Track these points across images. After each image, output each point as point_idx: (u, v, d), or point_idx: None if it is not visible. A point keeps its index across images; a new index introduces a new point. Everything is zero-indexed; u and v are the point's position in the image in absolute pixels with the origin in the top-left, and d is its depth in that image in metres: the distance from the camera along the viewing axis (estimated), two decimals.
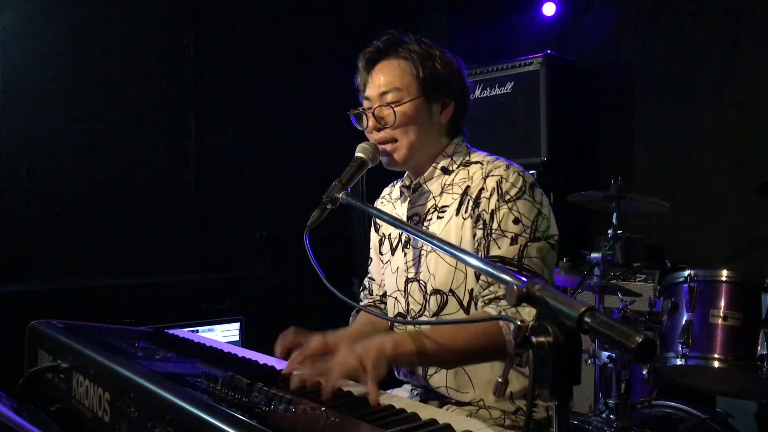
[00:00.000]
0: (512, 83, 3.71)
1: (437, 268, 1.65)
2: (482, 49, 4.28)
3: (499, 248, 1.55)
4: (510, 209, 1.57)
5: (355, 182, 1.59)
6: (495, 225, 1.57)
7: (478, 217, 1.60)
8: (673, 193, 3.36)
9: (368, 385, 1.28)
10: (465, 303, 1.62)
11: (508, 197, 1.58)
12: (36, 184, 3.11)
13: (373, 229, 1.96)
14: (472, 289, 1.61)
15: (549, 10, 4.24)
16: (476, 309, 1.61)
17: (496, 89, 3.75)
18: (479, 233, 1.59)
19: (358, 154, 1.64)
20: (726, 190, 3.52)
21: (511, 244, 1.54)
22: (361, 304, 1.91)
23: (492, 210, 1.58)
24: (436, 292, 1.66)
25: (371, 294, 1.94)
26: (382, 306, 1.90)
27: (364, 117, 1.69)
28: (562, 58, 3.78)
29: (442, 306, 1.65)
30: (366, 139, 1.70)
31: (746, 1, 3.52)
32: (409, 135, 1.65)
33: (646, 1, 3.94)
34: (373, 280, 1.95)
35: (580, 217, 3.77)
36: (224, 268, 3.71)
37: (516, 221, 1.56)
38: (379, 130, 1.67)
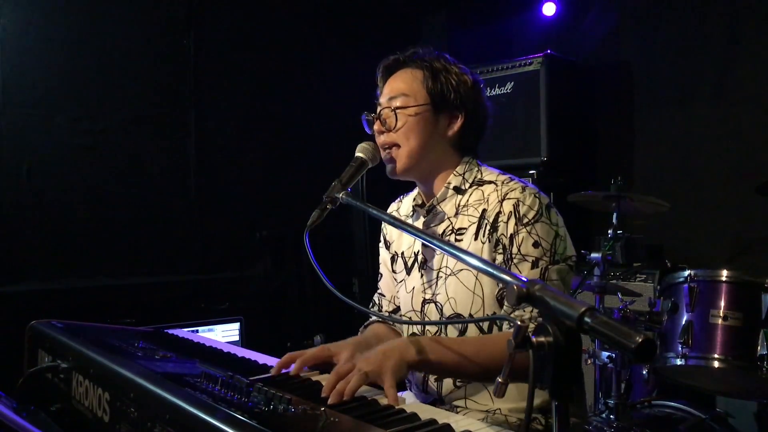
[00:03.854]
0: (512, 83, 3.71)
1: (456, 292, 1.64)
2: (482, 49, 4.28)
3: (521, 272, 1.54)
4: (529, 233, 1.56)
5: (355, 182, 1.60)
6: (515, 249, 1.56)
7: (498, 241, 1.59)
8: (673, 193, 3.36)
9: (387, 389, 1.28)
10: (485, 328, 1.61)
11: (526, 220, 1.57)
12: (36, 184, 3.11)
13: (382, 245, 1.94)
14: (493, 314, 1.61)
15: (549, 10, 4.24)
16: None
17: (496, 89, 3.75)
18: (499, 258, 1.59)
19: (358, 154, 1.65)
20: (726, 190, 3.52)
21: (533, 267, 1.55)
22: (371, 320, 1.89)
23: (511, 234, 1.57)
24: (456, 316, 1.64)
25: (380, 310, 1.92)
26: (387, 315, 1.89)
27: (372, 121, 1.71)
28: (562, 58, 3.78)
29: (462, 332, 1.64)
30: (369, 140, 1.71)
31: (746, 1, 3.53)
32: (410, 141, 1.66)
33: (646, 1, 3.94)
34: (384, 296, 1.93)
35: (580, 217, 3.77)
36: (224, 268, 3.71)
37: (536, 245, 1.56)
38: (382, 133, 1.68)
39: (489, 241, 1.61)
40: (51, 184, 3.16)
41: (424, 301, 1.73)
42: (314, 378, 1.45)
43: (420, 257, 1.76)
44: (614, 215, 2.72)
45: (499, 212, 1.60)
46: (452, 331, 1.65)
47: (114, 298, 3.27)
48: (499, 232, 1.59)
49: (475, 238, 1.63)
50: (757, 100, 3.45)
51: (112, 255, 3.31)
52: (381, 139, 1.68)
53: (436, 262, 1.71)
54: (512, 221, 1.58)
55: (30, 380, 1.55)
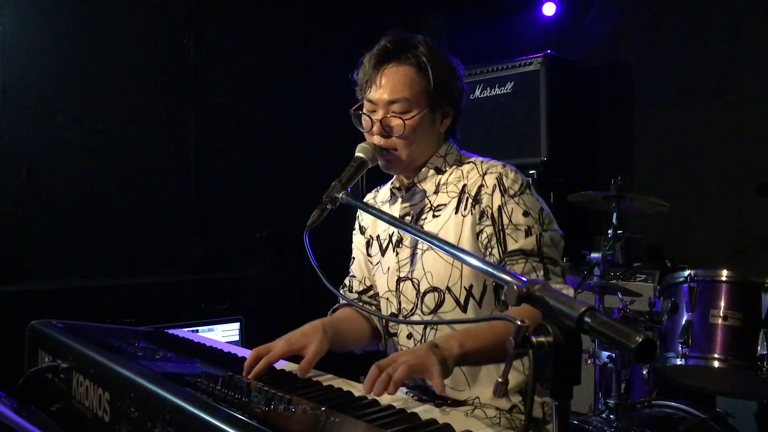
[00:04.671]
0: (512, 83, 3.71)
1: (435, 266, 1.66)
2: (482, 49, 4.28)
3: (516, 241, 1.57)
4: (517, 204, 1.59)
5: (355, 182, 1.59)
6: (506, 220, 1.58)
7: (483, 213, 1.61)
8: (673, 193, 3.36)
9: (434, 380, 1.29)
10: (462, 300, 1.62)
11: (512, 192, 1.60)
12: (36, 184, 3.11)
13: (357, 231, 1.94)
14: (471, 286, 1.62)
15: (549, 10, 4.24)
16: (479, 306, 1.61)
17: (496, 89, 3.75)
18: (488, 230, 1.60)
19: (358, 154, 1.64)
20: (726, 190, 3.52)
21: (527, 236, 1.57)
22: (342, 301, 1.86)
23: (498, 206, 1.59)
24: (433, 289, 1.66)
25: (350, 291, 1.91)
26: (360, 304, 1.87)
27: (366, 118, 1.69)
28: (562, 58, 3.78)
29: (439, 304, 1.65)
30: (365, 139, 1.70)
31: (746, 1, 3.53)
32: (411, 146, 1.67)
33: (646, 1, 3.94)
34: (354, 277, 1.93)
35: (580, 217, 3.77)
36: (224, 268, 3.71)
37: (525, 214, 1.59)
38: (382, 136, 1.67)
39: (471, 214, 1.63)
40: (51, 184, 3.15)
41: (399, 279, 1.74)
42: (315, 379, 1.45)
43: (395, 237, 1.77)
44: (614, 215, 2.71)
45: (482, 185, 1.63)
46: (429, 303, 1.66)
47: (114, 298, 3.27)
48: (483, 204, 1.61)
49: (456, 212, 1.65)
50: (757, 100, 3.45)
51: (112, 255, 3.31)
52: (379, 141, 1.67)
53: (410, 241, 1.72)
54: (497, 193, 1.60)
55: (30, 380, 1.55)
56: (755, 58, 3.47)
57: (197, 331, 3.03)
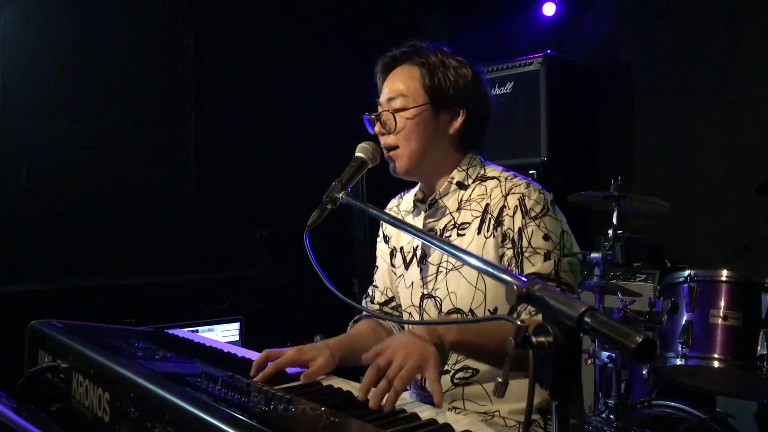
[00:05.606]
0: (512, 83, 3.71)
1: (458, 287, 1.64)
2: (482, 49, 4.28)
3: (533, 265, 1.54)
4: (538, 226, 1.57)
5: (355, 182, 1.59)
6: (525, 243, 1.56)
7: (504, 235, 1.59)
8: (673, 193, 3.36)
9: (431, 384, 1.25)
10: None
11: (533, 214, 1.58)
12: (36, 185, 3.11)
13: (381, 240, 1.93)
14: (495, 309, 1.60)
15: (549, 10, 4.24)
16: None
17: (496, 89, 3.75)
18: (509, 253, 1.58)
19: (358, 154, 1.64)
20: (726, 190, 3.52)
21: (545, 260, 1.55)
22: (362, 314, 1.85)
23: (519, 228, 1.57)
24: (456, 311, 1.64)
25: (373, 302, 1.90)
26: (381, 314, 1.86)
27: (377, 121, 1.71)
28: (562, 58, 3.78)
29: None
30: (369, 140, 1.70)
31: (746, 1, 3.53)
32: (411, 143, 1.65)
33: (646, 1, 3.94)
34: (377, 287, 1.91)
35: (580, 217, 3.76)
36: (224, 268, 3.71)
37: (546, 238, 1.56)
38: (383, 135, 1.68)
39: (494, 236, 1.60)
40: (51, 184, 3.16)
41: (423, 296, 1.72)
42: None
43: (419, 252, 1.76)
44: (614, 215, 2.72)
45: (504, 206, 1.60)
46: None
47: (114, 298, 3.27)
48: (505, 227, 1.59)
49: (479, 233, 1.63)
50: (757, 101, 3.45)
51: (112, 255, 3.31)
52: (382, 141, 1.68)
53: (435, 257, 1.70)
54: (518, 215, 1.58)
55: (30, 380, 1.55)
56: (755, 58, 3.47)
57: (197, 331, 3.03)
